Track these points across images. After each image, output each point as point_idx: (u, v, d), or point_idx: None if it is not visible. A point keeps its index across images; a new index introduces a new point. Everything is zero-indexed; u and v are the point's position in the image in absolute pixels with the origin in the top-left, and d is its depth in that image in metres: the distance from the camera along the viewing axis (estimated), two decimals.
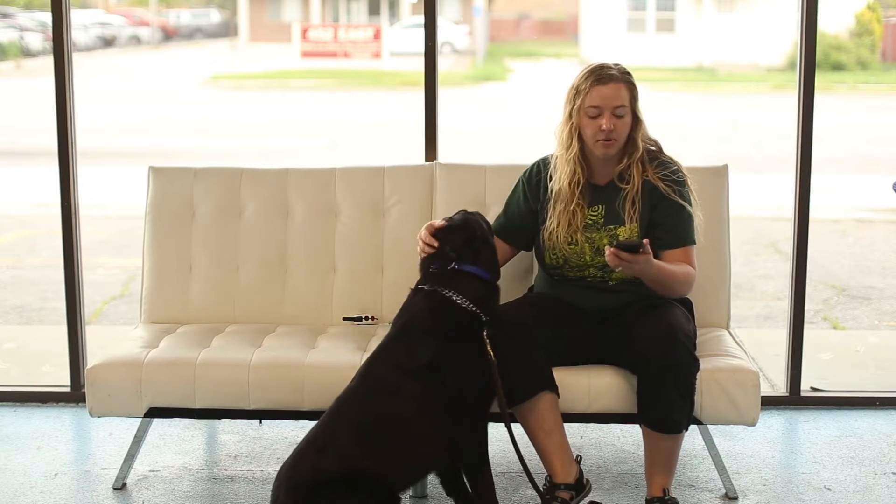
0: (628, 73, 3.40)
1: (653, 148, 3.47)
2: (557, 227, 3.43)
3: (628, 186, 3.40)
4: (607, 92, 3.34)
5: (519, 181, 3.60)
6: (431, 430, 3.12)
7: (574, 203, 3.42)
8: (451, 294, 3.25)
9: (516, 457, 3.25)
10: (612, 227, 3.41)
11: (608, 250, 3.18)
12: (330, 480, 2.99)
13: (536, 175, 3.56)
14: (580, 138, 3.41)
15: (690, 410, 3.29)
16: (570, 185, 3.42)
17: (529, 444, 3.39)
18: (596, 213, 3.43)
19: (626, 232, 3.40)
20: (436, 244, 3.31)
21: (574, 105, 3.39)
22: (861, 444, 4.03)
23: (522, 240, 3.58)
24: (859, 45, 22.39)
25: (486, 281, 3.31)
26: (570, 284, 3.49)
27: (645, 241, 3.20)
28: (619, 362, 3.39)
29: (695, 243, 3.45)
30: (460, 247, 3.30)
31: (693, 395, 3.27)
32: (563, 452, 3.31)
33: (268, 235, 4.00)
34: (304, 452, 3.07)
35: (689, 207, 3.41)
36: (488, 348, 3.21)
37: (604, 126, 3.33)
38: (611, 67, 3.39)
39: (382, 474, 3.03)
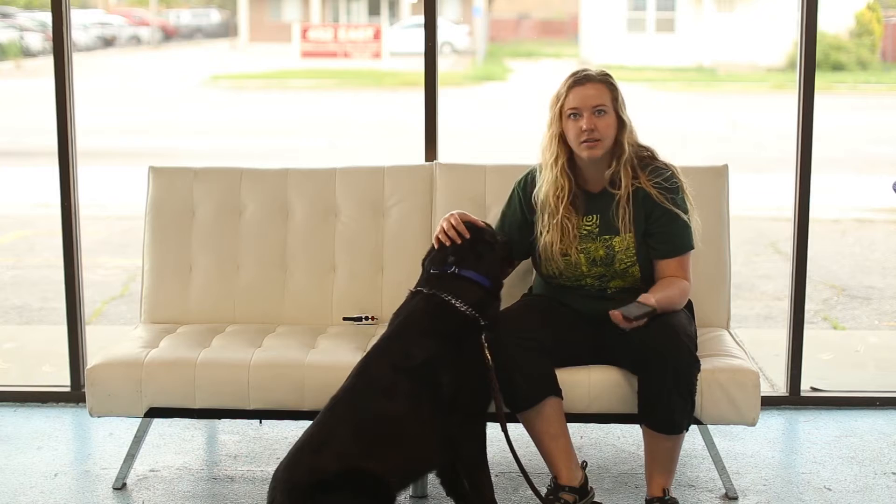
0: (609, 77, 3.39)
1: (646, 154, 3.44)
2: (551, 239, 3.40)
3: (620, 192, 3.38)
4: (585, 92, 3.34)
5: (514, 190, 3.57)
6: (428, 430, 3.12)
7: (561, 215, 3.38)
8: (449, 298, 3.25)
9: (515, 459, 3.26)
10: (606, 237, 3.40)
11: (614, 315, 3.16)
12: (326, 480, 2.99)
13: (532, 183, 3.52)
14: (565, 146, 3.39)
15: (691, 411, 3.29)
16: (554, 197, 3.39)
17: (527, 446, 3.39)
18: (591, 223, 3.42)
19: (621, 242, 3.38)
20: (467, 235, 3.34)
21: (555, 111, 3.39)
22: (861, 444, 4.03)
23: (521, 250, 3.55)
24: (859, 45, 22.40)
25: (485, 287, 3.32)
26: (568, 292, 3.48)
27: (650, 307, 3.19)
28: (619, 363, 3.39)
29: (692, 249, 3.43)
30: (464, 248, 3.31)
31: (694, 395, 3.27)
32: (568, 457, 3.31)
33: (268, 235, 4.00)
34: (301, 453, 3.07)
35: (683, 215, 3.39)
36: (486, 353, 3.21)
37: (584, 126, 3.32)
38: (589, 71, 3.40)
39: (379, 474, 3.02)
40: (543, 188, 3.42)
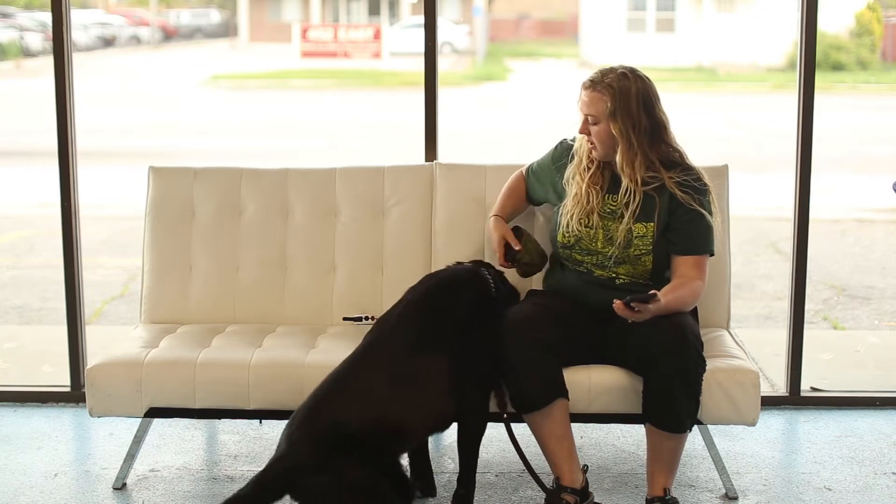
0: (612, 84, 3.37)
1: (675, 155, 3.46)
2: (575, 201, 3.46)
3: (646, 189, 3.41)
4: (583, 98, 3.44)
5: (558, 143, 3.66)
6: (445, 385, 3.18)
7: (589, 177, 3.46)
8: (487, 274, 3.43)
9: (516, 456, 3.27)
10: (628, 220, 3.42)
11: (616, 303, 3.20)
12: (348, 433, 3.01)
13: (570, 147, 3.60)
14: None
15: (696, 410, 3.29)
16: (587, 155, 3.48)
17: (527, 446, 3.39)
18: (615, 204, 3.44)
19: (640, 228, 3.40)
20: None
21: None
22: (861, 444, 4.03)
23: (538, 194, 3.68)
24: (859, 45, 22.39)
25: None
26: (578, 279, 3.49)
27: (653, 291, 3.22)
28: (621, 362, 3.39)
29: (711, 254, 3.44)
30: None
31: (699, 395, 3.27)
32: (572, 458, 3.31)
33: (268, 235, 4.00)
34: (322, 403, 3.10)
35: (708, 217, 3.41)
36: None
37: (580, 129, 3.45)
38: (604, 73, 3.41)
39: (399, 426, 3.07)
40: (579, 148, 3.52)
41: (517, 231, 3.64)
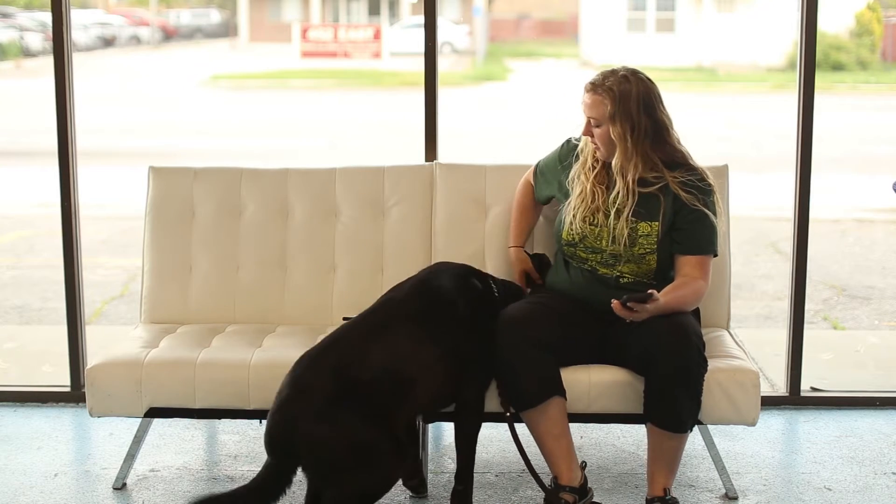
0: (612, 86, 3.38)
1: (679, 155, 3.46)
2: (580, 200, 3.47)
3: (650, 189, 3.41)
4: (585, 100, 3.44)
5: (565, 141, 3.67)
6: (444, 372, 3.21)
7: (594, 176, 3.47)
8: (490, 277, 3.48)
9: (516, 455, 3.27)
10: (633, 219, 3.42)
11: (614, 303, 3.21)
12: (352, 381, 3.03)
13: (576, 146, 3.61)
14: None
15: (697, 410, 3.29)
16: (592, 155, 3.50)
17: (527, 445, 3.39)
18: (621, 203, 3.44)
19: (645, 227, 3.40)
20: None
21: None
22: (861, 444, 4.03)
23: (544, 193, 3.69)
24: (859, 45, 22.39)
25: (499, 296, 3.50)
26: (582, 277, 3.49)
27: (651, 291, 3.22)
28: (623, 362, 3.39)
29: (715, 254, 3.45)
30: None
31: (700, 395, 3.27)
32: (570, 457, 3.31)
33: (268, 235, 4.00)
34: (331, 348, 3.13)
35: (712, 217, 3.41)
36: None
37: (583, 131, 3.47)
38: (605, 76, 3.42)
39: (401, 384, 3.08)
40: (584, 149, 3.54)
41: (540, 259, 3.69)
